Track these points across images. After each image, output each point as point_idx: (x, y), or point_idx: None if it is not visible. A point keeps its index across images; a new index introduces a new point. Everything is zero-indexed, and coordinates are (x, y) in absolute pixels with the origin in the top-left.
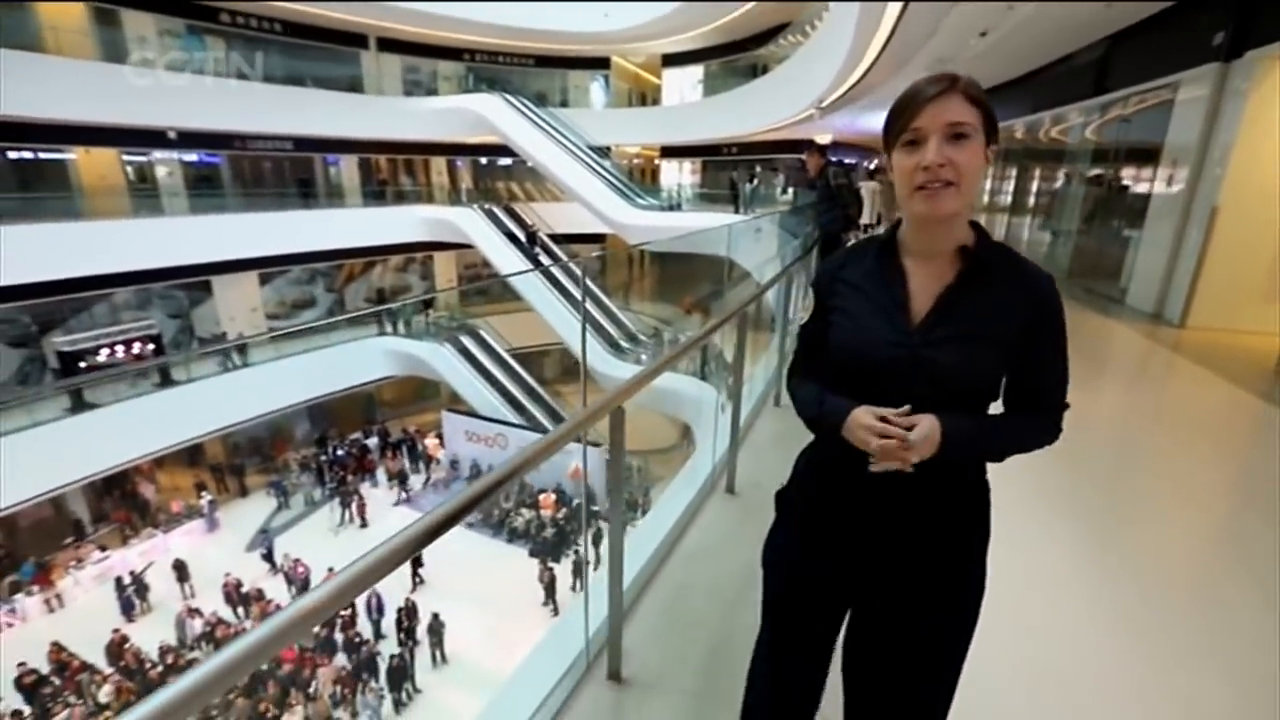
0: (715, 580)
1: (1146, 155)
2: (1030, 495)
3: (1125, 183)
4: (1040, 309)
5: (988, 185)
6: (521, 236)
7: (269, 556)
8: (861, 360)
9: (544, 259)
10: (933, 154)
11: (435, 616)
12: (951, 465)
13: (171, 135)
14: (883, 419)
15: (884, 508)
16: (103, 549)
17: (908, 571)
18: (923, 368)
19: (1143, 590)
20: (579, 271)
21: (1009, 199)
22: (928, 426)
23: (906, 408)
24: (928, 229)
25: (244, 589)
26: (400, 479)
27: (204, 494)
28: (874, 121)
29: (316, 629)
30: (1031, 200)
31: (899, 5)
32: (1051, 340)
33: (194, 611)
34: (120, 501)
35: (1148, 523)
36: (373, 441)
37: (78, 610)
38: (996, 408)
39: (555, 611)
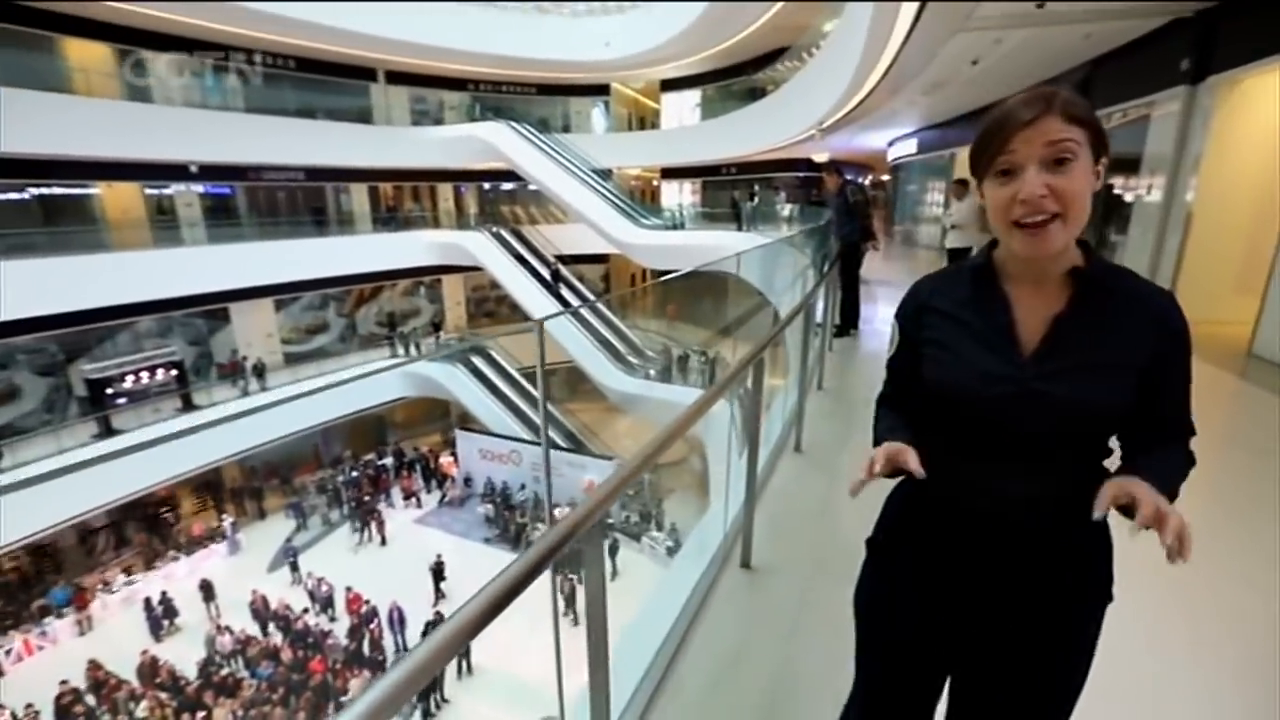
0: (805, 500)
1: (1128, 166)
2: None
3: (1112, 192)
4: (1166, 331)
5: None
6: (545, 274)
7: (295, 566)
8: (964, 396)
9: (566, 294)
10: (1031, 185)
11: None
12: (1074, 506)
13: (193, 169)
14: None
15: (998, 555)
16: (128, 573)
17: (1017, 624)
18: (1037, 403)
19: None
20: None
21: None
22: (1150, 494)
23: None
24: (1028, 261)
25: (271, 606)
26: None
27: (225, 517)
28: (868, 140)
29: (346, 643)
30: None
31: (904, 34)
32: (1180, 363)
33: (224, 629)
34: (142, 526)
35: None
36: (388, 461)
37: (106, 633)
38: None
39: (576, 621)
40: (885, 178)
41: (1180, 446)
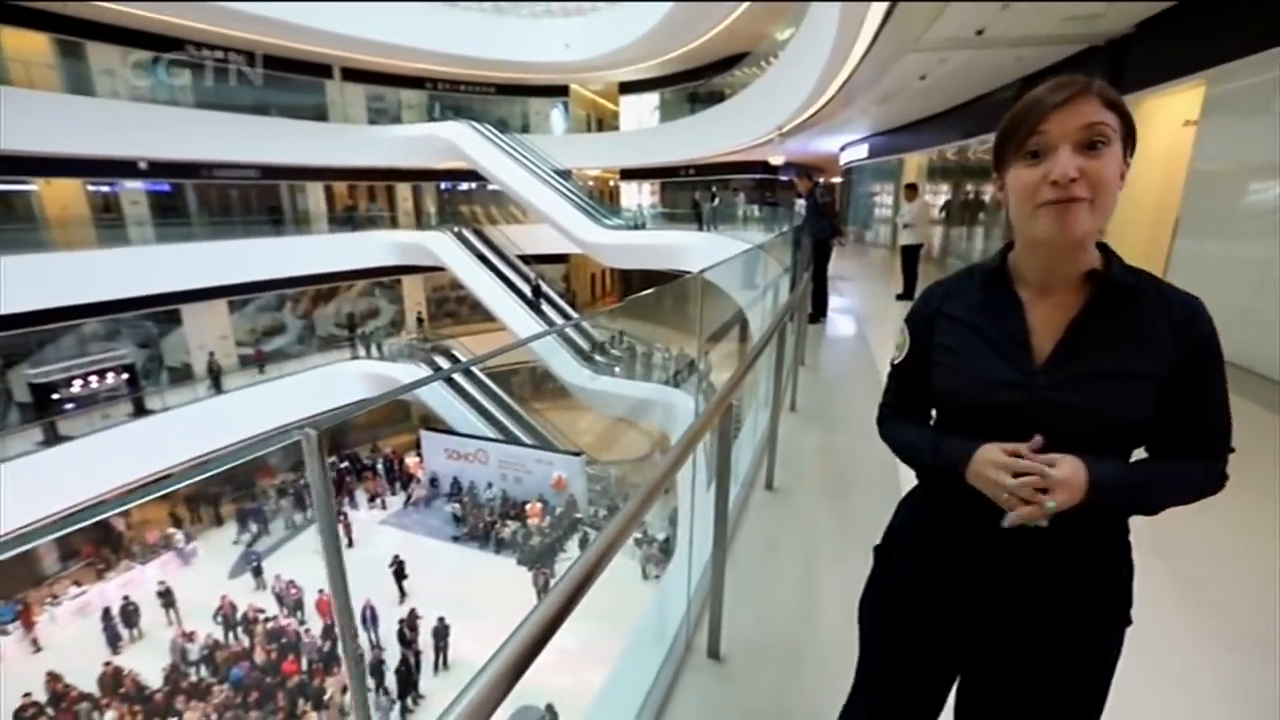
0: (805, 443)
1: None
2: None
3: None
4: (1191, 339)
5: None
6: (526, 290)
7: (258, 571)
8: (976, 405)
9: (547, 309)
10: (1064, 164)
11: (441, 620)
12: (1092, 520)
13: (142, 165)
14: (1016, 454)
15: (1009, 568)
16: (77, 584)
17: (1023, 640)
18: (1050, 412)
19: None
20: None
21: (944, 212)
22: (1070, 467)
23: (1038, 440)
24: (1051, 254)
25: (239, 611)
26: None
27: (181, 523)
28: (822, 144)
29: (321, 643)
30: (965, 211)
31: (862, 52)
32: (1210, 374)
33: (191, 634)
34: (91, 536)
35: None
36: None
37: (59, 647)
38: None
39: None
40: (837, 180)
41: (1200, 464)
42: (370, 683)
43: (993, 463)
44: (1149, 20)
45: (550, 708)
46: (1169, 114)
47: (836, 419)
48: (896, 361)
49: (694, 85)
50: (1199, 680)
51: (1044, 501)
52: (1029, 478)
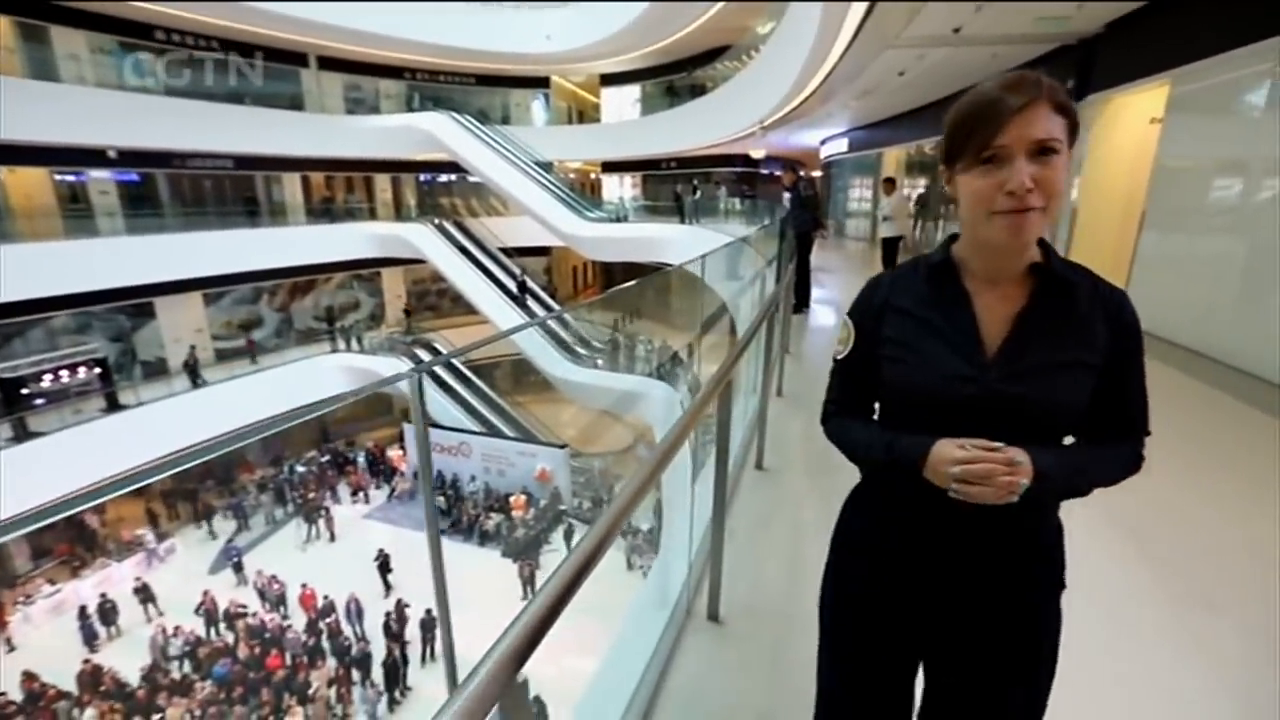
0: (791, 427)
1: None
2: None
3: None
4: (1121, 328)
5: (904, 191)
6: (511, 285)
7: (239, 567)
8: (928, 399)
9: (533, 305)
10: (1021, 177)
11: (428, 612)
12: (1028, 504)
13: (111, 154)
14: (974, 448)
15: (961, 557)
16: (51, 583)
17: (979, 619)
18: (1004, 404)
19: None
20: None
21: (918, 206)
22: (1021, 457)
23: (999, 446)
24: (1000, 254)
25: (221, 607)
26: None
27: (158, 520)
28: (802, 138)
29: (305, 638)
30: (941, 205)
31: (842, 48)
32: (1136, 361)
33: (175, 630)
34: (64, 533)
35: None
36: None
37: (34, 647)
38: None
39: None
40: (817, 174)
41: (1125, 446)
42: (356, 676)
43: (951, 459)
44: (1117, 21)
45: (537, 699)
46: (1136, 111)
47: (820, 404)
48: (840, 356)
49: (676, 78)
50: (1192, 680)
51: (1014, 485)
52: (992, 466)
